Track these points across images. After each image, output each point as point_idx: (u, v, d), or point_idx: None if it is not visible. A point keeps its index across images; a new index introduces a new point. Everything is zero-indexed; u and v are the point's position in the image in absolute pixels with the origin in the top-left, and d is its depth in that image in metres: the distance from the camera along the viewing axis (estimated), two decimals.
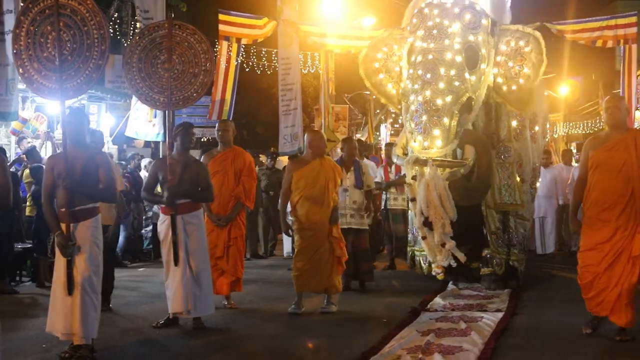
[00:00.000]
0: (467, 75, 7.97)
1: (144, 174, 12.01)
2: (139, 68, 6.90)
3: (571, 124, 27.17)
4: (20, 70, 5.96)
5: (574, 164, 12.84)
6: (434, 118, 7.77)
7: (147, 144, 17.13)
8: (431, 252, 7.65)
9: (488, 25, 8.26)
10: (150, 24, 7.93)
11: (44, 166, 7.47)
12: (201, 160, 7.70)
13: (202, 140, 19.85)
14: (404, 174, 8.28)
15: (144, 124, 13.46)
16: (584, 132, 26.24)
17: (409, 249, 9.56)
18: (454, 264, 7.59)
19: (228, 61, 11.58)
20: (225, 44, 11.58)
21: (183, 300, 6.62)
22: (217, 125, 8.36)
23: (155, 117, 13.32)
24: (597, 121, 24.39)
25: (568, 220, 9.66)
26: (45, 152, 12.19)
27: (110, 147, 14.86)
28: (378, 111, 22.58)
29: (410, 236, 9.45)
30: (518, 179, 8.75)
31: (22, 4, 8.09)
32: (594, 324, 6.19)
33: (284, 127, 12.37)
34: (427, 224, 7.44)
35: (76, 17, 5.75)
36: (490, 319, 6.92)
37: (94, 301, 5.71)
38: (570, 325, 6.53)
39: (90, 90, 12.69)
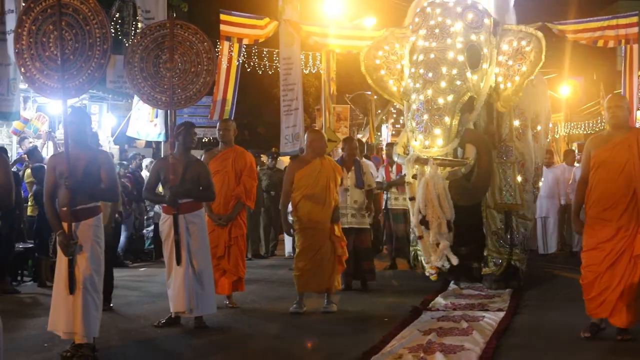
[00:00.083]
0: (468, 74, 7.97)
1: (145, 174, 12.01)
2: (141, 68, 6.90)
3: (572, 124, 27.17)
4: (22, 69, 5.96)
5: (576, 164, 12.84)
6: (435, 117, 7.77)
7: (148, 144, 17.14)
8: (426, 252, 7.66)
9: (490, 24, 8.26)
10: (152, 24, 7.93)
11: (45, 166, 7.47)
12: (202, 159, 7.70)
13: (204, 140, 19.88)
14: (405, 174, 8.28)
15: (146, 124, 13.49)
16: (585, 132, 26.23)
17: (411, 248, 9.57)
18: (447, 266, 7.57)
19: (229, 61, 11.60)
20: (226, 44, 11.61)
21: (185, 300, 6.62)
22: (218, 124, 8.37)
23: (156, 117, 13.35)
24: (599, 121, 24.37)
25: (569, 220, 9.67)
26: (47, 152, 12.19)
27: (111, 147, 14.86)
28: (379, 111, 22.61)
29: (412, 236, 9.44)
30: (520, 178, 8.74)
31: (23, 4, 8.09)
32: (593, 328, 6.14)
33: (285, 127, 12.39)
34: (424, 222, 7.44)
35: (78, 16, 5.75)
36: (491, 319, 6.92)
37: (96, 300, 5.71)
38: (571, 325, 6.52)
39: (92, 90, 12.69)
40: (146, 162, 12.95)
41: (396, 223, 10.69)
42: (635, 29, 11.65)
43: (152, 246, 12.51)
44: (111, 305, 7.67)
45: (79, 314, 5.59)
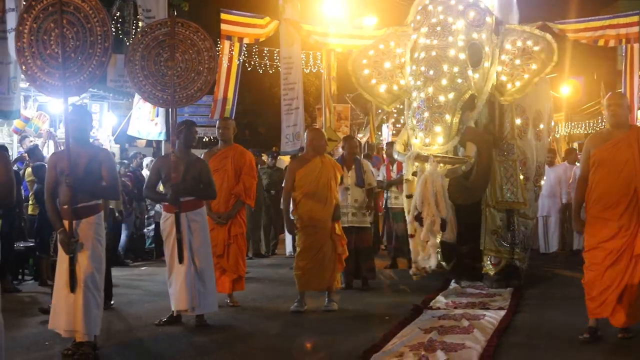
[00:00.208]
0: (470, 72, 7.97)
1: (146, 173, 12.01)
2: (142, 66, 6.89)
3: (573, 124, 27.16)
4: (24, 67, 5.96)
5: (577, 163, 12.83)
6: (436, 115, 7.78)
7: (149, 143, 17.14)
8: (414, 251, 7.68)
9: (492, 23, 8.27)
10: (153, 22, 7.93)
11: (46, 165, 7.48)
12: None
13: (204, 139, 19.87)
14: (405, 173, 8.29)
15: (146, 123, 13.47)
16: (585, 132, 26.24)
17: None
18: (432, 266, 7.58)
19: (230, 60, 11.60)
20: (227, 43, 11.60)
21: (188, 298, 6.62)
22: (217, 123, 8.39)
23: (157, 116, 13.35)
24: (599, 121, 24.38)
25: (570, 219, 9.65)
26: (48, 151, 12.18)
27: (112, 146, 14.86)
28: (380, 111, 22.55)
29: None
30: (522, 176, 8.73)
31: (24, 2, 8.09)
32: (592, 331, 6.09)
33: (286, 127, 12.37)
34: (419, 219, 7.45)
35: (79, 14, 5.75)
36: (492, 317, 6.93)
37: (97, 298, 5.71)
38: (572, 323, 6.52)
39: (93, 89, 12.71)
40: (147, 161, 12.96)
41: (396, 222, 10.68)
42: (635, 28, 11.62)
43: (153, 245, 12.52)
44: (112, 303, 7.67)
45: (80, 312, 5.60)
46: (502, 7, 8.98)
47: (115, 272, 9.74)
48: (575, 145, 23.95)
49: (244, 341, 6.44)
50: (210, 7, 17.90)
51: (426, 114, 7.82)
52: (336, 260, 7.63)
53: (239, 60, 11.80)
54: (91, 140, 8.01)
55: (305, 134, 8.19)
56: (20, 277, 9.84)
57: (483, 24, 8.15)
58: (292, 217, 7.80)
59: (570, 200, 11.39)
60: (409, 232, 7.80)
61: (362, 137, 20.65)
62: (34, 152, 10.53)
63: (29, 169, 10.18)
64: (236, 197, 7.82)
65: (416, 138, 7.90)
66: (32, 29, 5.85)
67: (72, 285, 5.63)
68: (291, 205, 7.78)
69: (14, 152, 12.56)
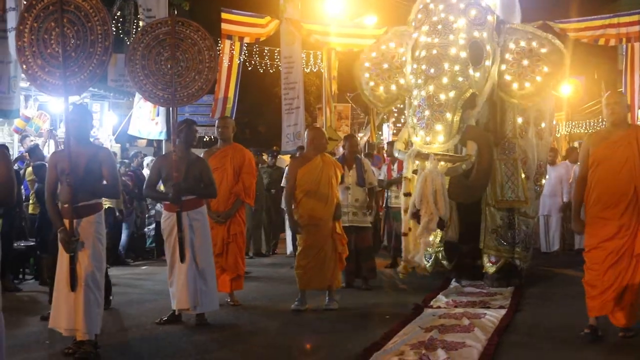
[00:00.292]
0: (471, 71, 7.97)
1: (146, 172, 12.01)
2: (143, 65, 6.88)
3: (573, 124, 27.12)
4: (24, 66, 5.95)
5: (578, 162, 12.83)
6: (437, 113, 7.78)
7: (149, 142, 17.15)
8: (406, 249, 7.69)
9: (493, 22, 8.27)
10: (153, 21, 7.93)
11: (46, 164, 7.48)
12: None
13: (205, 139, 19.89)
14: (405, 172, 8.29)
15: (147, 122, 13.49)
16: (586, 131, 26.19)
17: None
18: (419, 263, 7.59)
19: (231, 60, 11.62)
20: (228, 42, 11.62)
21: (190, 297, 6.62)
22: (217, 122, 8.39)
23: (157, 115, 13.36)
24: (600, 120, 24.36)
25: (570, 218, 9.64)
26: (48, 151, 12.18)
27: (113, 146, 14.87)
28: None
29: None
30: (523, 175, 8.73)
31: (24, 2, 8.09)
32: (593, 329, 6.08)
33: (286, 126, 12.40)
34: (417, 216, 7.45)
35: (80, 13, 5.74)
36: (493, 316, 6.93)
37: (97, 297, 5.71)
38: (572, 322, 6.51)
39: (93, 88, 12.72)
40: (147, 160, 12.96)
41: (397, 221, 10.67)
42: (636, 28, 11.64)
43: (154, 245, 12.53)
44: (111, 297, 7.64)
45: (81, 311, 5.59)
46: (504, 6, 8.97)
47: (116, 271, 9.77)
48: (576, 144, 23.93)
49: (244, 340, 6.44)
50: (211, 6, 17.89)
51: (427, 112, 7.82)
52: (337, 259, 7.63)
53: (239, 59, 11.82)
54: (92, 139, 8.03)
55: (306, 133, 8.18)
56: (20, 276, 9.84)
57: (484, 23, 8.15)
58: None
59: (571, 199, 11.40)
60: (403, 230, 7.81)
61: (362, 137, 20.64)
62: (34, 151, 10.53)
63: (30, 169, 10.18)
64: (235, 196, 7.82)
65: (417, 136, 7.90)
66: (32, 28, 5.84)
67: (73, 284, 5.63)
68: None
69: (15, 152, 12.56)
